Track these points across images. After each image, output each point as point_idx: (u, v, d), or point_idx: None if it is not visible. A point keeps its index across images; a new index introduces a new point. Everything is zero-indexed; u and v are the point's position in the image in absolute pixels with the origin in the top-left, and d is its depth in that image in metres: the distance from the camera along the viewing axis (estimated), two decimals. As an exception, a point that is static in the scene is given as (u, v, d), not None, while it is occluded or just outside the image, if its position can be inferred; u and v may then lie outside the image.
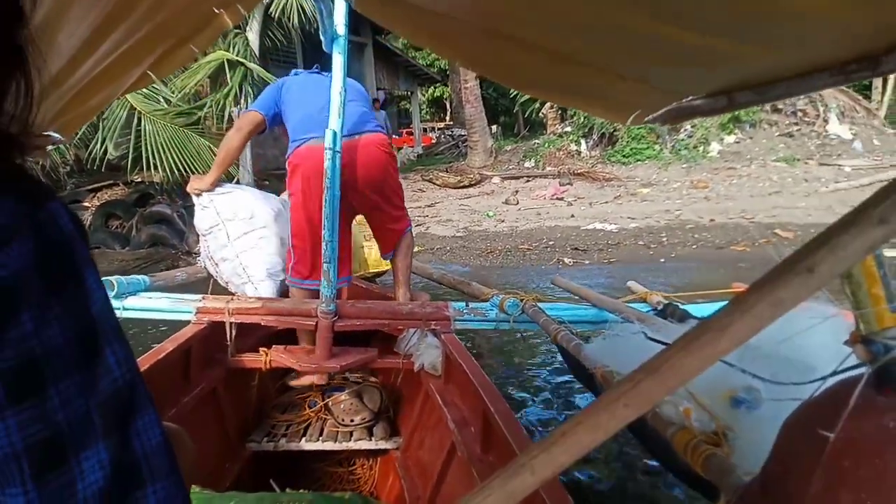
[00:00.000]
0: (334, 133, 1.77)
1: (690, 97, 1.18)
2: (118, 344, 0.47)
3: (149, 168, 7.55)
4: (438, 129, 24.34)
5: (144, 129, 7.38)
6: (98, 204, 9.01)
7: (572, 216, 8.48)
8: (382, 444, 2.27)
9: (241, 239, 2.44)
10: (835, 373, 0.72)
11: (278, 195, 2.82)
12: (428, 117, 29.62)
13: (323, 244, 1.92)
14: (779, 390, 0.94)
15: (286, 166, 2.35)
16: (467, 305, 2.15)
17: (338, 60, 1.77)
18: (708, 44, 0.95)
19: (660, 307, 1.89)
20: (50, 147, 1.19)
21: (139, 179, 8.91)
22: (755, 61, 1.00)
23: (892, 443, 0.58)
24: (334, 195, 1.87)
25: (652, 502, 2.39)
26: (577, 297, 2.24)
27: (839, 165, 9.68)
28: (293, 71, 2.59)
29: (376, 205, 2.43)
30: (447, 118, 27.61)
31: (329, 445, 2.25)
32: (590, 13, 0.97)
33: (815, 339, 1.02)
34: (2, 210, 0.40)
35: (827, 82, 0.90)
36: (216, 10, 0.99)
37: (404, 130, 21.28)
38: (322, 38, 1.68)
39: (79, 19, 0.78)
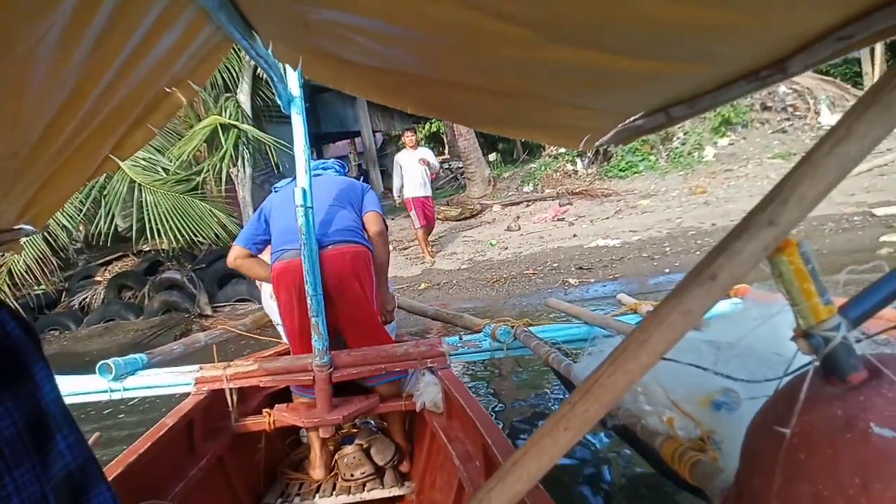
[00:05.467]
0: (304, 191, 1.82)
1: (633, 117, 1.22)
2: (69, 429, 0.52)
3: (153, 237, 7.70)
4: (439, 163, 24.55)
5: (146, 200, 7.55)
6: (109, 277, 9.16)
7: (574, 236, 8.49)
8: (396, 492, 2.26)
9: None
10: (790, 372, 0.74)
11: None
12: (427, 153, 29.95)
13: (308, 298, 1.95)
14: (754, 389, 0.95)
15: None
16: (461, 339, 2.16)
17: (297, 120, 1.83)
18: (638, 67, 1.00)
19: (649, 318, 1.89)
20: (23, 239, 1.24)
21: (147, 248, 9.08)
22: (684, 78, 1.05)
23: (840, 430, 0.59)
24: (312, 249, 1.90)
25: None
26: (569, 317, 2.25)
27: (836, 155, 9.63)
28: (273, 187, 2.69)
29: (352, 318, 2.34)
30: (445, 152, 27.92)
31: (343, 499, 2.23)
32: (519, 52, 1.02)
33: (787, 331, 1.03)
34: None
35: (746, 89, 0.94)
36: (167, 90, 1.05)
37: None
38: (279, 101, 1.74)
39: (31, 113, 0.83)
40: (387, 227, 2.52)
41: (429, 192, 8.38)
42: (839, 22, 0.74)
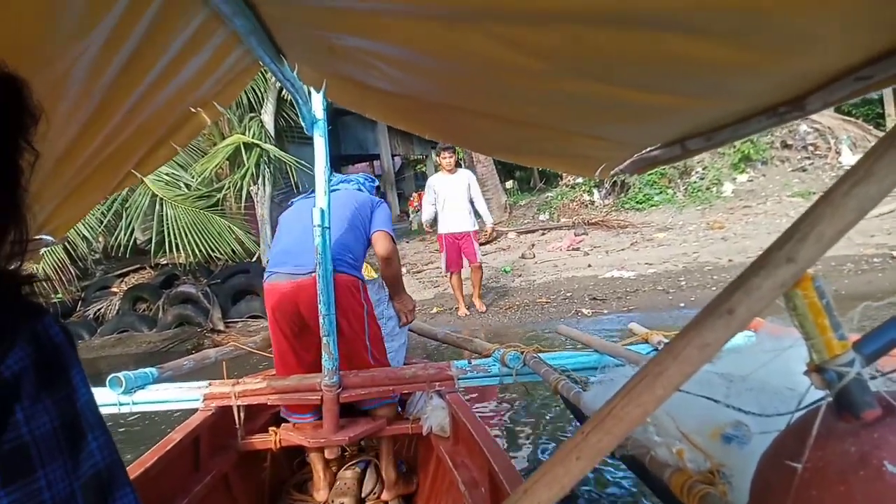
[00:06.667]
0: (322, 211, 1.85)
1: (649, 148, 1.22)
2: (99, 430, 0.55)
3: (171, 251, 7.80)
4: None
5: (166, 214, 7.67)
6: (125, 288, 9.26)
7: (589, 266, 8.44)
8: None
9: None
10: (802, 407, 0.73)
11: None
12: (444, 179, 30.22)
13: (321, 318, 1.95)
14: (765, 423, 0.93)
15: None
16: (470, 363, 2.15)
17: (319, 143, 1.87)
18: (654, 100, 1.00)
19: (661, 347, 1.87)
20: (43, 249, 1.26)
21: (164, 262, 9.19)
22: (702, 112, 1.05)
23: (853, 467, 0.58)
24: (327, 269, 1.92)
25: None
26: (580, 345, 2.23)
27: (857, 195, 9.52)
28: (290, 201, 2.72)
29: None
30: (462, 179, 28.07)
31: None
32: (537, 83, 1.04)
33: (800, 365, 1.01)
34: (5, 324, 0.50)
35: (764, 124, 0.94)
36: (193, 110, 1.08)
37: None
38: (303, 123, 1.78)
39: (60, 129, 0.86)
40: (394, 242, 2.51)
41: (471, 226, 6.48)
42: (859, 62, 0.74)
